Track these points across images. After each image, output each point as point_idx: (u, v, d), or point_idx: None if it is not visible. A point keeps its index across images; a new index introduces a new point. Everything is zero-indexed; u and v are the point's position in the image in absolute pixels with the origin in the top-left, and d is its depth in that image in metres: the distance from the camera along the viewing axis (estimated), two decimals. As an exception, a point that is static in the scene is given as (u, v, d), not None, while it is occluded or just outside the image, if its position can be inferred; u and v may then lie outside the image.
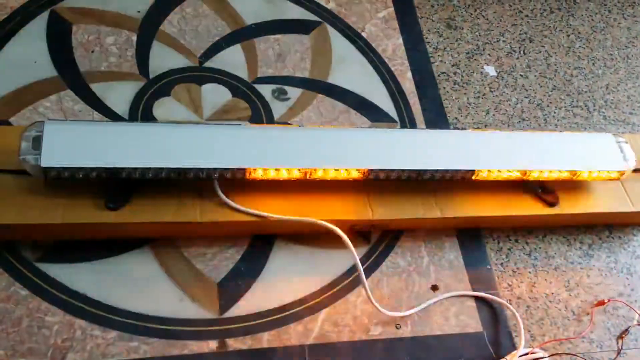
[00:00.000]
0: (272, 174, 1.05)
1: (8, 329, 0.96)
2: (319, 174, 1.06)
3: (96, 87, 1.21)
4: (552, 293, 1.20)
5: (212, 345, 1.01)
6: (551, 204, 1.21)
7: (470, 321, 1.12)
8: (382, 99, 1.36)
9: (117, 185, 1.02)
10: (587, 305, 1.20)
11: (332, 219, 1.07)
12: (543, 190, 1.21)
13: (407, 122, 1.34)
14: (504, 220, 1.22)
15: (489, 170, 1.13)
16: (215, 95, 1.27)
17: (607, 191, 1.25)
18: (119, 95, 1.21)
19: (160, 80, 1.26)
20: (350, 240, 1.05)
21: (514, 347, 1.11)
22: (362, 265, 1.09)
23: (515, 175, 1.15)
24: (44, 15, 1.27)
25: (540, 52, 1.57)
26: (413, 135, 1.16)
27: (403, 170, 1.09)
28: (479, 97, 1.44)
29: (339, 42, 1.42)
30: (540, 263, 1.23)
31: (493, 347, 1.11)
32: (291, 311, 1.06)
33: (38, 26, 1.26)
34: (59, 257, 1.03)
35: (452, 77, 1.45)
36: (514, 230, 1.26)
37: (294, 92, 1.32)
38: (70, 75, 1.21)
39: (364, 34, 1.45)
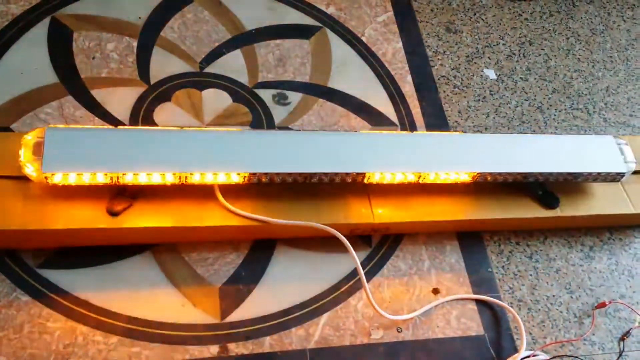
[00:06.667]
0: (272, 179, 1.05)
1: (10, 335, 0.96)
2: (319, 178, 1.07)
3: (97, 93, 1.22)
4: (554, 295, 1.20)
5: (213, 350, 1.01)
6: (552, 207, 1.21)
7: (471, 324, 1.13)
8: (382, 103, 1.36)
9: (118, 190, 1.02)
10: (589, 308, 1.20)
11: (333, 223, 1.08)
12: (544, 192, 1.21)
13: (408, 125, 1.34)
14: (505, 223, 1.22)
15: (489, 173, 1.13)
16: (215, 100, 1.27)
17: (608, 193, 1.25)
18: (120, 101, 1.22)
19: (161, 85, 1.26)
20: (351, 244, 1.06)
21: (515, 350, 1.11)
22: (363, 269, 1.10)
23: (515, 178, 1.16)
24: (45, 22, 1.28)
25: (539, 55, 1.57)
26: (413, 139, 1.16)
27: (403, 173, 1.09)
28: (479, 100, 1.44)
29: (339, 47, 1.43)
30: (542, 265, 1.23)
31: (495, 350, 1.11)
32: (292, 315, 1.06)
33: (39, 33, 1.26)
34: (61, 263, 1.03)
35: (452, 81, 1.45)
36: (515, 232, 1.26)
37: (294, 97, 1.32)
38: (71, 81, 1.22)
39: (363, 38, 1.46)
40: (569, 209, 1.22)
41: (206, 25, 1.37)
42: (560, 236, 1.28)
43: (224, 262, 1.09)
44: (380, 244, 1.18)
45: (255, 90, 1.31)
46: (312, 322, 1.07)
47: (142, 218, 1.02)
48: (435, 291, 1.15)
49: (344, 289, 1.11)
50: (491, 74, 1.50)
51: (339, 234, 1.06)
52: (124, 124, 1.19)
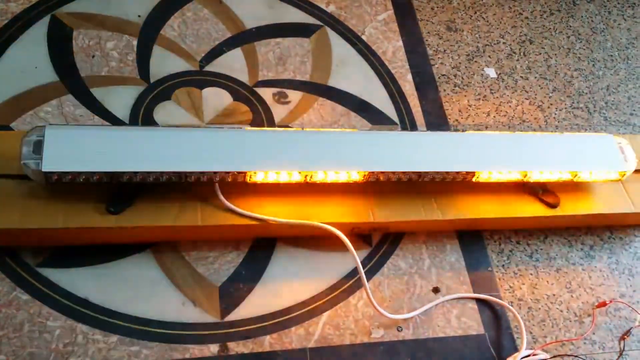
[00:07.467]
0: (272, 177, 1.05)
1: (9, 334, 0.96)
2: (319, 177, 1.07)
3: (97, 92, 1.22)
4: (554, 294, 1.20)
5: (213, 349, 1.01)
6: (552, 206, 1.21)
7: (472, 323, 1.12)
8: (382, 102, 1.36)
9: (118, 189, 1.02)
10: (589, 307, 1.20)
11: (333, 221, 1.08)
12: (544, 191, 1.21)
13: (408, 124, 1.34)
14: (505, 222, 1.22)
15: (489, 172, 1.13)
16: (216, 98, 1.27)
17: (608, 192, 1.25)
18: (120, 99, 1.22)
19: (160, 84, 1.26)
20: (352, 243, 1.06)
21: (515, 349, 1.11)
22: (363, 267, 1.10)
23: (515, 176, 1.16)
24: (45, 21, 1.27)
25: (540, 53, 1.57)
26: (414, 138, 1.16)
27: (404, 173, 1.09)
28: (479, 99, 1.44)
29: (339, 45, 1.42)
30: (542, 264, 1.23)
31: (495, 349, 1.11)
32: (292, 314, 1.06)
33: (39, 31, 1.26)
34: (60, 261, 1.03)
35: (452, 79, 1.45)
36: (515, 231, 1.26)
37: (294, 96, 1.32)
38: (71, 80, 1.22)
39: (364, 37, 1.45)
40: (569, 208, 1.22)
41: (206, 23, 1.37)
42: (560, 235, 1.27)
43: (224, 260, 1.09)
44: (381, 243, 1.18)
45: (256, 89, 1.31)
46: (312, 321, 1.06)
47: (142, 217, 1.02)
48: (436, 290, 1.15)
49: (344, 288, 1.11)
50: (491, 72, 1.50)
51: (340, 233, 1.06)
52: (124, 123, 1.19)
